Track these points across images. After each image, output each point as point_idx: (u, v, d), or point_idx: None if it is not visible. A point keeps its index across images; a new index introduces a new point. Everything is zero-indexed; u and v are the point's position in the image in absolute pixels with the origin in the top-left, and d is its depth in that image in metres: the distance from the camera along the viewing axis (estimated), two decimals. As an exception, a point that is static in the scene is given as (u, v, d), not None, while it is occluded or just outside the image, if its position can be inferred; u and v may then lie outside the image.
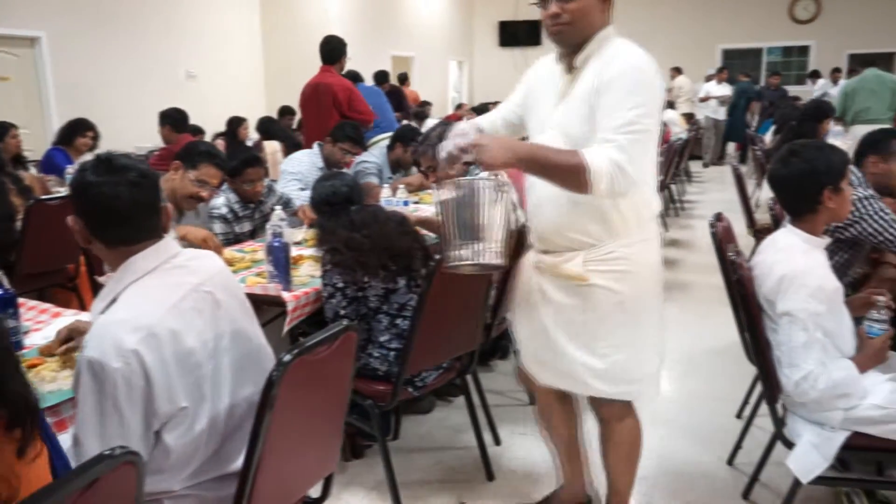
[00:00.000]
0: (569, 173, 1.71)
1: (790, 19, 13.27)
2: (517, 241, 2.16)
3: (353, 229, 2.47)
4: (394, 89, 8.17)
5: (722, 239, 2.49)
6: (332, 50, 5.24)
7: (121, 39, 7.45)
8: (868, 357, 2.06)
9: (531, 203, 2.02)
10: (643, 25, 13.77)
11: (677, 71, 12.33)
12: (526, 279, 2.09)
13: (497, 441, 2.91)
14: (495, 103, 10.63)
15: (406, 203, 3.92)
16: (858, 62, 12.87)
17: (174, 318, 1.44)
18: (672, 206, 8.00)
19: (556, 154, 1.75)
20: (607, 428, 2.16)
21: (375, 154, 4.67)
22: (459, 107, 11.25)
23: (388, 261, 2.44)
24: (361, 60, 8.94)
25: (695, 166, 11.20)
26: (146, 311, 1.42)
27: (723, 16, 13.42)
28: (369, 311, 2.45)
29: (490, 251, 1.72)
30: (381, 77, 8.23)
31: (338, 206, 2.57)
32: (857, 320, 2.16)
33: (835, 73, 11.77)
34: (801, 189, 2.09)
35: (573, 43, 1.85)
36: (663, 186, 6.97)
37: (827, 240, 2.17)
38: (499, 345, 3.67)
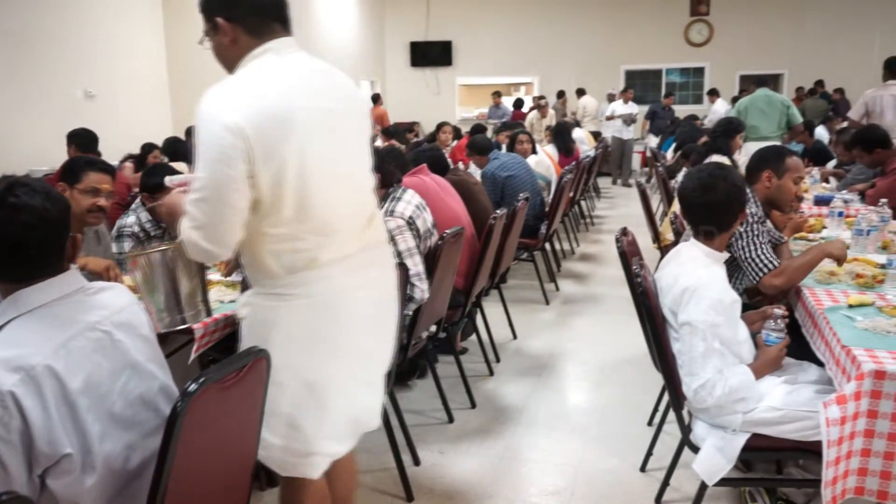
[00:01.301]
0: None
1: (686, 42, 14.00)
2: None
3: None
4: None
5: (627, 253, 2.59)
6: None
7: (11, 57, 7.06)
8: (764, 363, 2.19)
9: None
10: (552, 47, 14.25)
11: (581, 92, 12.78)
12: None
13: (416, 461, 2.90)
14: (411, 123, 10.61)
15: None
16: (750, 82, 13.73)
17: (60, 358, 1.36)
18: (583, 222, 8.25)
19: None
20: None
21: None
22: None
23: None
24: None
25: (604, 183, 11.58)
26: (28, 350, 1.33)
27: (625, 39, 14.01)
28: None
29: (185, 313, 1.87)
30: None
31: None
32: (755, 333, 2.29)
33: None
34: (728, 209, 2.23)
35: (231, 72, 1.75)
36: (573, 203, 7.18)
37: (726, 254, 2.30)
38: (417, 364, 3.67)
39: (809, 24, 13.37)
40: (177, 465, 1.34)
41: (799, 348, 2.37)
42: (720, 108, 11.25)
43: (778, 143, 6.53)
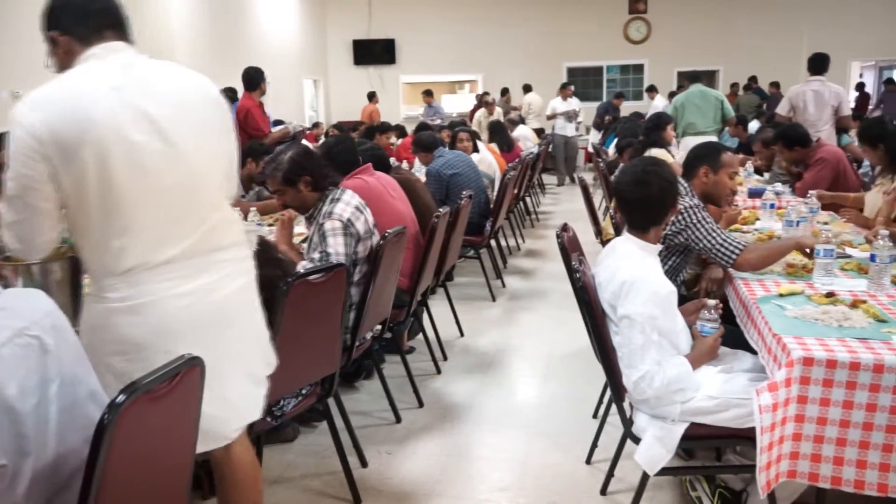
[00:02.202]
0: None
1: (625, 39, 14.29)
2: None
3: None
4: None
5: (567, 248, 2.62)
6: (250, 79, 6.46)
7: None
8: (701, 353, 2.24)
9: None
10: (495, 44, 14.35)
11: (528, 88, 12.86)
12: None
13: (363, 463, 2.87)
14: (356, 122, 10.46)
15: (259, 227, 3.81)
16: (686, 78, 14.06)
17: None
18: (528, 218, 8.32)
19: None
20: None
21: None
22: (316, 125, 11.15)
23: None
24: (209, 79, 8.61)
25: (549, 179, 11.70)
26: None
27: (567, 36, 14.22)
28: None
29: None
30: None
31: None
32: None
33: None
34: (662, 203, 2.27)
35: None
36: (517, 199, 7.23)
37: (659, 246, 2.34)
38: (363, 365, 3.64)
39: (741, 21, 13.80)
40: (106, 477, 1.29)
41: (734, 337, 2.44)
42: (659, 104, 11.46)
43: (714, 137, 6.72)
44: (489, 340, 4.37)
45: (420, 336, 4.01)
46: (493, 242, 5.82)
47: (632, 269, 2.17)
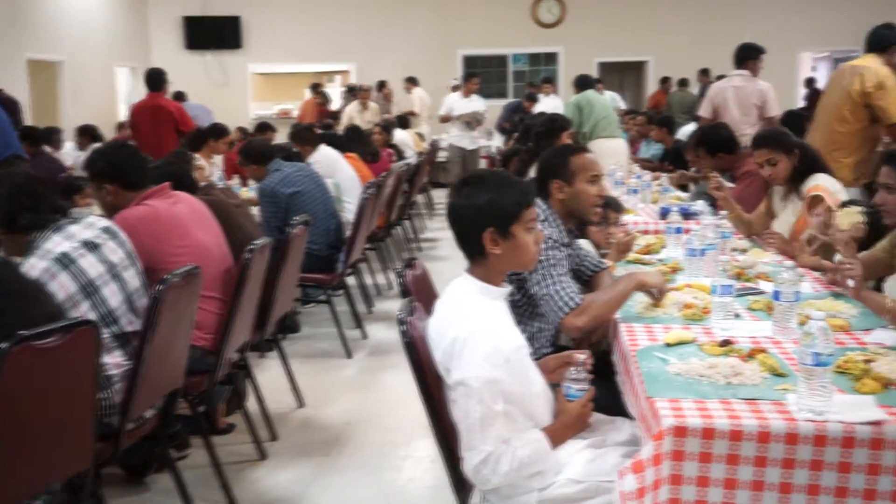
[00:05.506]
0: None
1: (534, 22, 14.70)
2: None
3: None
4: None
5: (411, 290, 2.59)
6: (155, 80, 7.83)
7: None
8: (565, 425, 2.24)
9: None
10: (372, 27, 14.43)
11: (412, 82, 12.93)
12: None
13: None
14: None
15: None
16: (613, 70, 14.62)
17: None
18: (407, 247, 8.31)
19: None
20: None
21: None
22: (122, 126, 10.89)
23: None
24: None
25: (440, 196, 11.78)
26: None
27: (462, 18, 14.47)
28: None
29: None
30: None
31: None
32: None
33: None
34: (463, 226, 2.25)
35: None
36: (390, 224, 7.22)
37: (507, 289, 2.33)
38: (154, 453, 3.47)
39: (675, 4, 14.43)
40: None
41: (614, 401, 2.46)
42: (550, 104, 11.54)
43: (623, 142, 7.14)
44: (338, 410, 4.29)
45: (250, 408, 3.88)
46: (353, 281, 5.76)
47: (465, 321, 2.13)
